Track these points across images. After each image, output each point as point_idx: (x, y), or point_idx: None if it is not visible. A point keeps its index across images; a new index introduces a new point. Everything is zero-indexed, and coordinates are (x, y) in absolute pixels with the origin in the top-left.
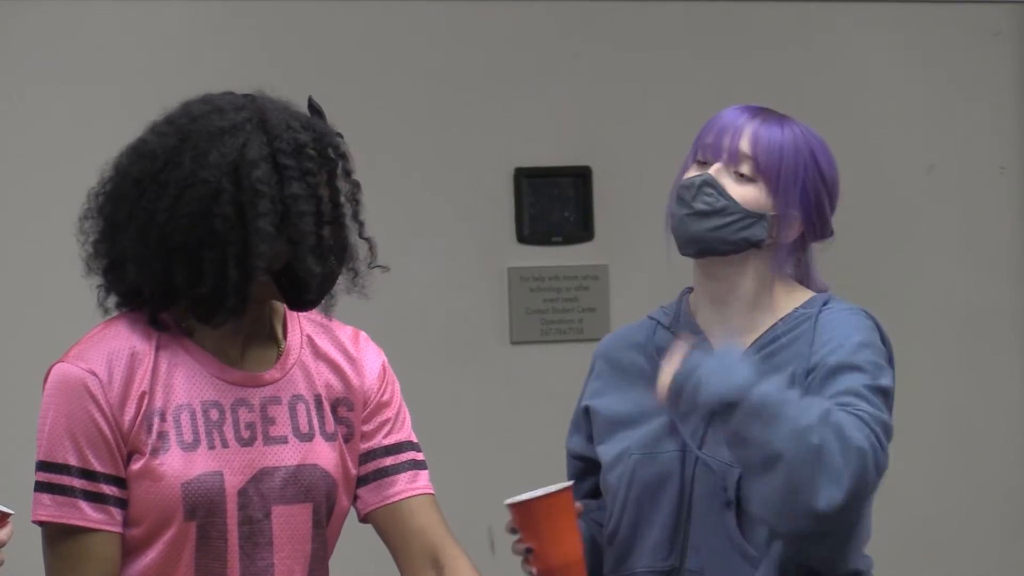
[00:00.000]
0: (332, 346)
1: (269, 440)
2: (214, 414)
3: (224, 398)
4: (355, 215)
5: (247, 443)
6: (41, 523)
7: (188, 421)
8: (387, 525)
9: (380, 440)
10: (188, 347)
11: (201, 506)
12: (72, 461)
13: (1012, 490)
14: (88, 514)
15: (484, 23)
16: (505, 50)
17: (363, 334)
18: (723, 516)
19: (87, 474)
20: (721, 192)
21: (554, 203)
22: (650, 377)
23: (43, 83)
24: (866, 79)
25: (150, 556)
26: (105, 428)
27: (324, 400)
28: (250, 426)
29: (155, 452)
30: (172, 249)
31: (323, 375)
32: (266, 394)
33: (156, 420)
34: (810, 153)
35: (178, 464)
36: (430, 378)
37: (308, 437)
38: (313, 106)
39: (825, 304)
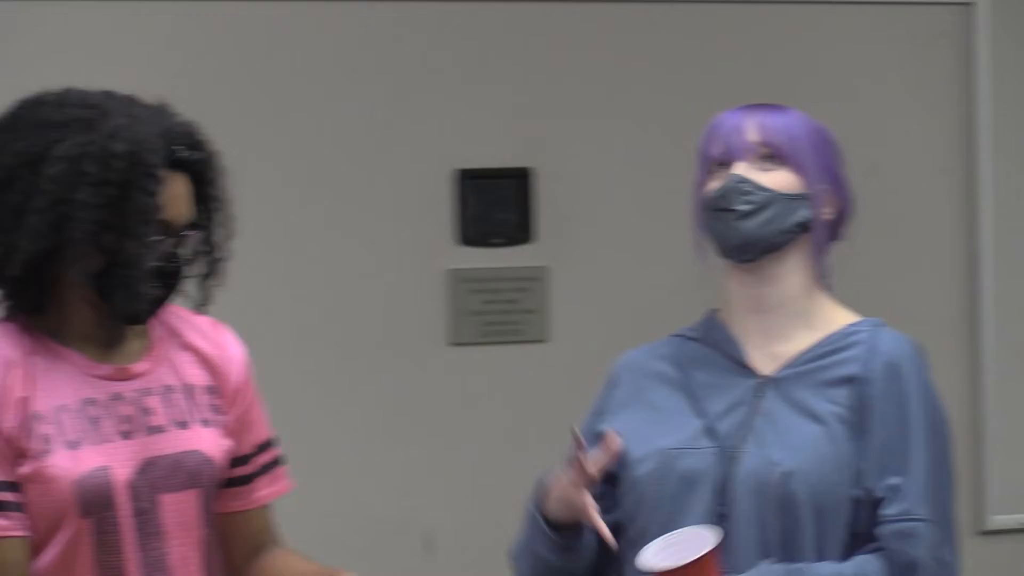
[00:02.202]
0: (196, 336)
1: (150, 430)
2: (92, 411)
3: (99, 394)
4: (206, 232)
5: (128, 435)
6: None
7: (69, 420)
8: (226, 526)
9: (238, 447)
10: (56, 349)
11: (94, 502)
12: None
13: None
14: None
15: (425, 23)
16: (446, 51)
17: (221, 324)
18: (764, 519)
19: None
20: (758, 186)
21: (495, 205)
22: (679, 384)
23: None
24: (808, 80)
25: (48, 556)
26: None
27: (194, 388)
28: (129, 419)
29: (41, 455)
30: None
31: (190, 365)
32: (138, 386)
33: (37, 423)
34: (818, 128)
35: (66, 464)
36: (369, 380)
37: (185, 425)
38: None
39: (879, 327)
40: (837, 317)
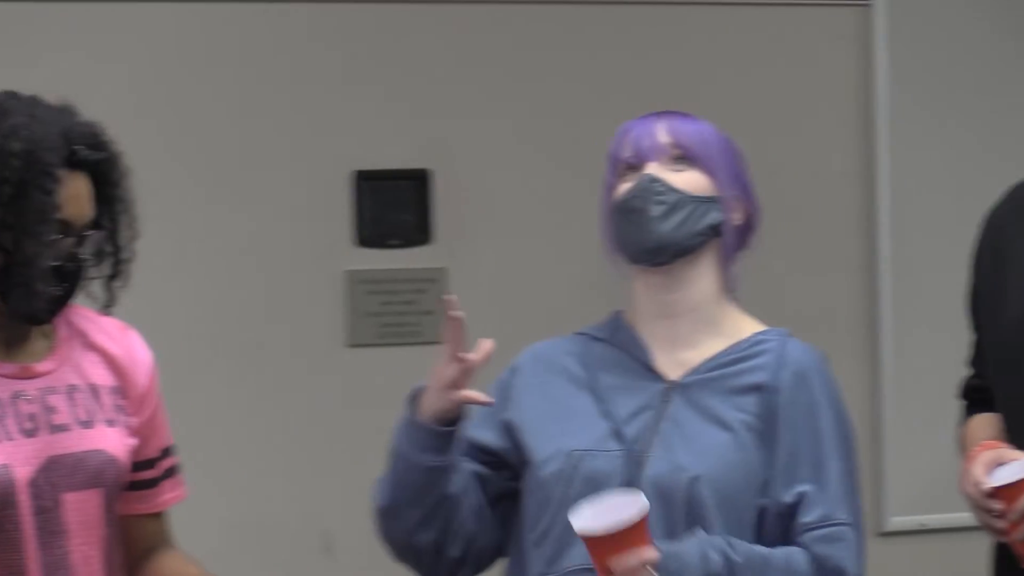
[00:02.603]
0: (102, 337)
1: (53, 429)
2: None
3: (2, 392)
4: (110, 232)
5: (31, 434)
6: None
7: None
8: (129, 529)
9: (141, 450)
10: None
11: None
12: None
13: None
14: None
15: (323, 24)
16: (344, 52)
17: (129, 327)
18: (670, 524)
19: None
20: (670, 187)
21: (392, 206)
22: (585, 384)
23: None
24: (707, 82)
25: None
26: None
27: (99, 388)
28: (32, 417)
29: None
30: None
31: (95, 365)
32: (42, 384)
33: None
34: (726, 137)
35: None
36: (267, 382)
37: (89, 424)
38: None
39: (787, 336)
40: (745, 326)
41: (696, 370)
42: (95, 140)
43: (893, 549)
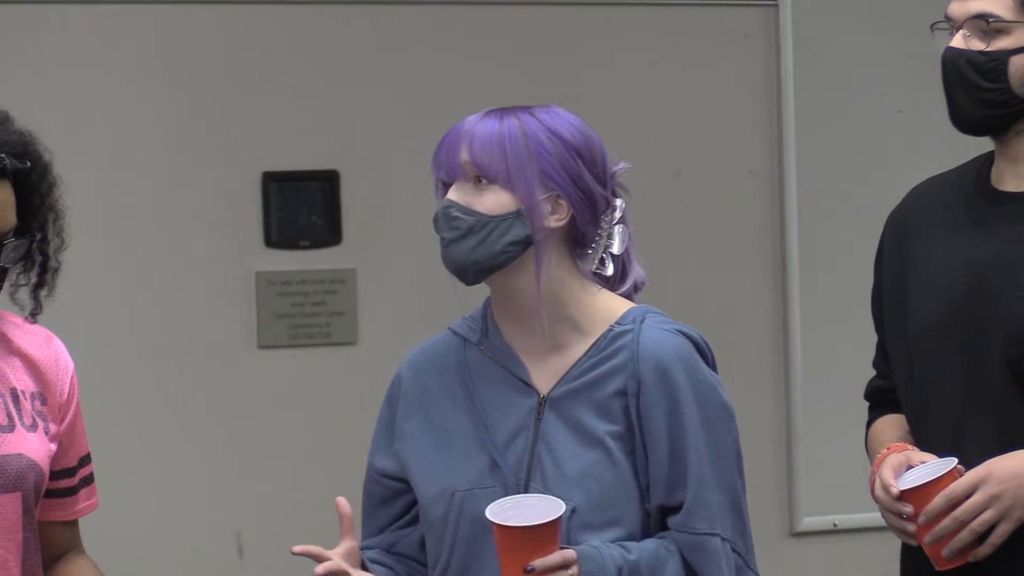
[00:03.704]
0: (26, 343)
1: None
2: None
3: None
4: (35, 241)
5: None
6: None
7: None
8: (42, 535)
9: (59, 458)
10: None
11: None
12: None
13: (764, 484)
14: None
15: (229, 25)
16: (251, 53)
17: (53, 335)
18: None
19: None
20: (465, 210)
21: (302, 207)
22: (463, 403)
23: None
24: (613, 81)
25: None
26: None
27: (20, 393)
28: None
29: None
30: None
31: (17, 370)
32: None
33: None
34: (541, 130)
35: None
36: (176, 384)
37: (8, 428)
38: None
39: (642, 322)
40: (603, 314)
41: (564, 379)
42: (21, 149)
43: (805, 549)
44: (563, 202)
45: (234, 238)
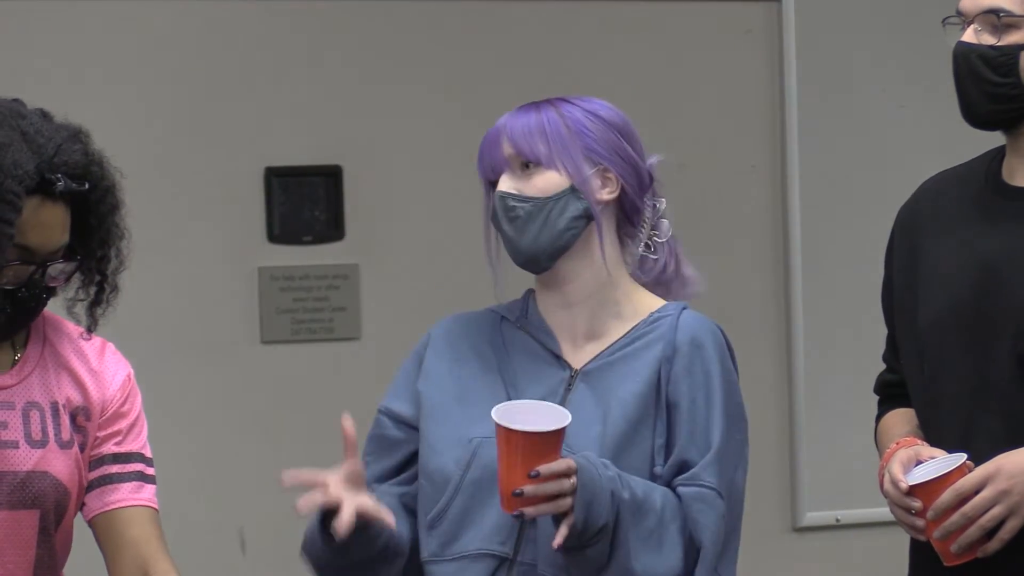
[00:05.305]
0: (75, 356)
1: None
2: None
3: None
4: (90, 261)
5: None
6: None
7: None
8: (103, 532)
9: (110, 447)
10: None
11: None
12: None
13: (766, 479)
14: None
15: (232, 20)
16: (255, 49)
17: (110, 346)
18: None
19: None
20: (519, 197)
21: (304, 202)
22: (494, 367)
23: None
24: (616, 77)
25: None
26: None
27: (61, 408)
28: None
29: None
30: None
31: (63, 385)
32: None
33: None
34: (578, 110)
35: None
36: (180, 379)
37: (41, 444)
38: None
39: (682, 310)
40: (645, 304)
41: (599, 356)
42: (80, 171)
43: (808, 544)
44: (611, 175)
45: (237, 233)
